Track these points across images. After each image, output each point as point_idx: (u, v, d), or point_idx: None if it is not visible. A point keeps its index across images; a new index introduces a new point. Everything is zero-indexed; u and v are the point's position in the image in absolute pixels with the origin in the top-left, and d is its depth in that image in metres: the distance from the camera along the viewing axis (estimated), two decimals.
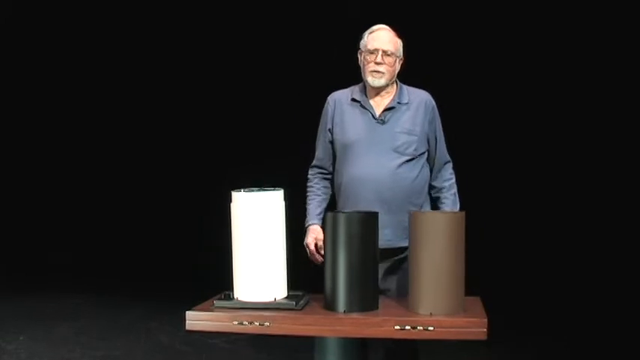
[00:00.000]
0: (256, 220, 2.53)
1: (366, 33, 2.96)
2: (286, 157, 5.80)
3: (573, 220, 5.93)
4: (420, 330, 2.35)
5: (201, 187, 6.83)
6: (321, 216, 2.97)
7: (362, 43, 2.96)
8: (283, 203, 2.61)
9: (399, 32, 2.99)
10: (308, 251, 3.00)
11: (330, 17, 5.95)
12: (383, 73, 2.89)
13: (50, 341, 4.86)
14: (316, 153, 3.07)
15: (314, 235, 2.96)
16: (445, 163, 3.05)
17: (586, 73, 5.84)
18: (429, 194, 3.05)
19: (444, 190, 3.03)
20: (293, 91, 6.18)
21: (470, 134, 6.12)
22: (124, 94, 7.32)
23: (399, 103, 2.95)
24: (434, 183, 3.04)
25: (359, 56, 2.98)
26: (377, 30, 2.94)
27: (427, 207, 3.02)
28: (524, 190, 6.09)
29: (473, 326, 2.35)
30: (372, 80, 2.90)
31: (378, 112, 2.94)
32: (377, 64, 2.88)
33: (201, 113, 7.02)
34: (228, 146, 6.72)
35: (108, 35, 7.15)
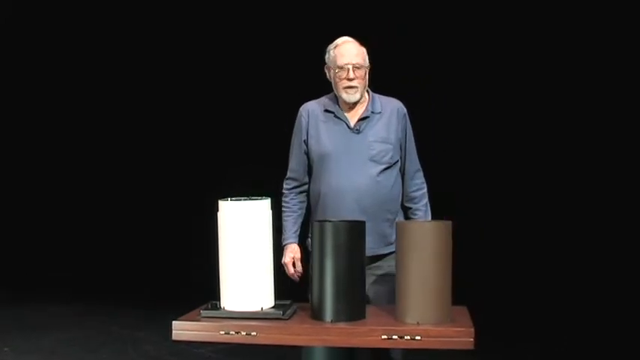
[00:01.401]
0: (243, 230, 2.52)
1: (331, 48, 2.95)
2: (275, 166, 5.82)
3: (559, 228, 5.95)
4: (407, 339, 2.35)
5: (189, 196, 6.82)
6: (298, 233, 2.99)
7: (328, 58, 2.95)
8: (270, 212, 2.60)
9: (365, 41, 2.99)
10: (286, 270, 2.98)
11: (328, 17, 5.95)
12: (357, 87, 2.90)
13: (36, 352, 4.82)
14: (290, 165, 3.06)
15: (292, 254, 2.96)
16: (416, 172, 3.05)
17: (578, 77, 5.88)
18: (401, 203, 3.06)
19: (416, 201, 3.04)
20: (285, 100, 6.17)
21: (452, 144, 6.17)
22: (114, 100, 7.33)
23: (372, 112, 2.96)
24: (405, 191, 3.04)
25: (327, 71, 2.98)
26: (342, 44, 2.93)
27: (401, 215, 3.04)
28: (508, 200, 6.11)
29: (460, 336, 2.35)
30: (348, 97, 2.91)
31: (352, 122, 2.95)
32: (349, 79, 2.88)
33: (188, 125, 7.02)
34: (217, 155, 6.71)
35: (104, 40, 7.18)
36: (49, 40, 7.28)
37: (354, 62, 2.88)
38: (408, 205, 3.04)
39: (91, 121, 7.46)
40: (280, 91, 6.37)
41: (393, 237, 2.90)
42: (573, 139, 5.99)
